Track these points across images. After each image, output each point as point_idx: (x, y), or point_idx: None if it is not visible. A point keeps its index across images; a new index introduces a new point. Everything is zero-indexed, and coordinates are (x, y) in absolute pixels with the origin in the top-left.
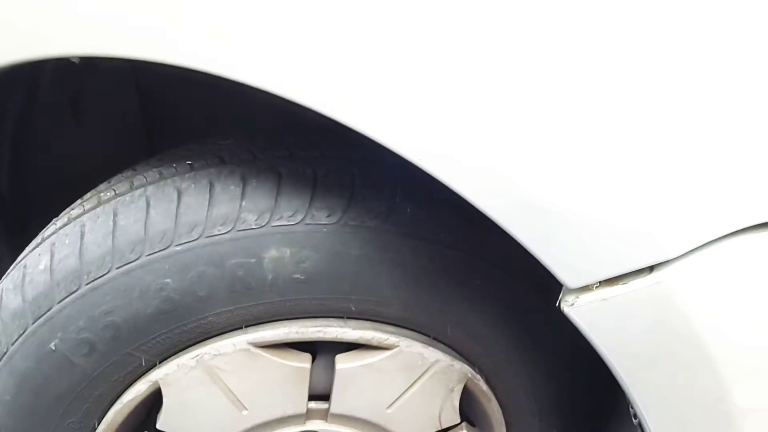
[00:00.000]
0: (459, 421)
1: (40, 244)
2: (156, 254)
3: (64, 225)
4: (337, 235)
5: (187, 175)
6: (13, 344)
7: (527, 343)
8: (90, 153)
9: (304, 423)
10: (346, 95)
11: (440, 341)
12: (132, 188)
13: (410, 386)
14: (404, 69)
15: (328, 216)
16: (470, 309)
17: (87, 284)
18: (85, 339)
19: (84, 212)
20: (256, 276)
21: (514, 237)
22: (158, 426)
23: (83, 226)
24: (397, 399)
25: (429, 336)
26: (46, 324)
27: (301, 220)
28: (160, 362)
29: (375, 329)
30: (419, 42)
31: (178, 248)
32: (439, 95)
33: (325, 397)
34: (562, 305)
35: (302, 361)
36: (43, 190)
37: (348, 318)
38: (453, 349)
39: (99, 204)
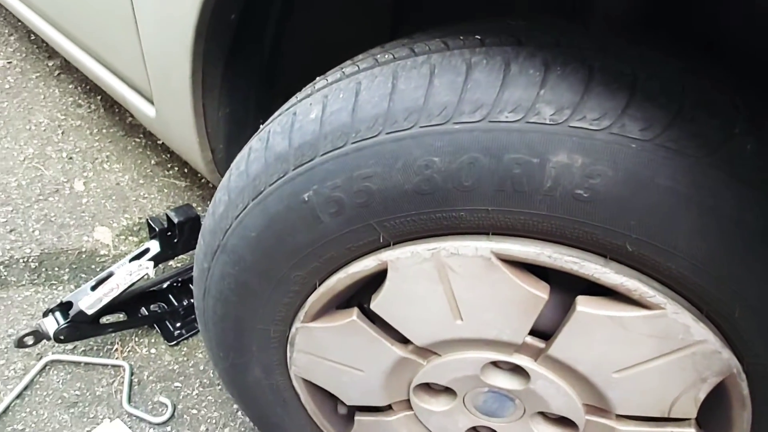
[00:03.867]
0: (694, 416)
1: (311, 94)
2: (431, 127)
3: (338, 80)
4: (646, 156)
5: (478, 49)
6: (270, 185)
7: None
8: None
9: (511, 355)
10: None
11: (713, 320)
12: (413, 54)
13: (655, 358)
14: None
15: (642, 130)
16: None
17: (353, 143)
18: (337, 198)
19: (359, 71)
20: (532, 179)
21: None
22: (372, 306)
23: (359, 84)
24: (632, 366)
25: (702, 310)
26: (305, 173)
27: (607, 127)
28: (394, 243)
29: (641, 281)
30: None
31: (456, 126)
32: None
33: (542, 334)
34: None
35: (540, 290)
36: (296, 54)
37: (611, 259)
38: (727, 335)
39: (376, 65)
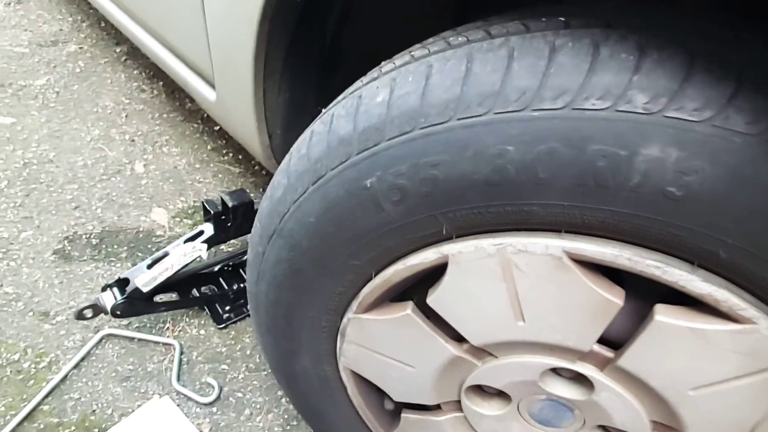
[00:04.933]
0: None
1: (377, 77)
2: (506, 114)
3: (407, 63)
4: (751, 152)
5: (562, 32)
6: (332, 170)
7: None
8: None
9: (575, 362)
10: None
11: None
12: (489, 36)
13: (740, 376)
14: None
15: (748, 123)
16: None
17: (421, 128)
18: (401, 186)
19: (430, 53)
20: (619, 173)
21: None
22: (429, 301)
23: (430, 66)
24: (711, 384)
25: None
26: (369, 159)
27: (708, 119)
28: (457, 236)
29: (732, 292)
30: None
31: (535, 114)
32: None
33: (610, 342)
34: None
35: (615, 295)
36: (357, 39)
37: (699, 265)
38: None
39: (449, 48)
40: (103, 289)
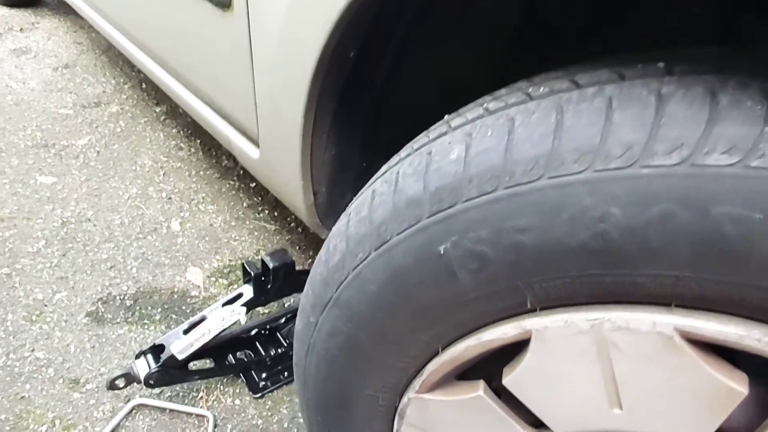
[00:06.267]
0: None
1: (446, 132)
2: (608, 172)
3: (481, 116)
4: None
5: (666, 78)
6: (399, 234)
7: None
8: (461, 68)
9: None
10: None
11: None
12: (577, 86)
13: None
14: None
15: None
16: None
17: (506, 188)
18: (481, 253)
19: (508, 106)
20: (749, 239)
21: None
22: (505, 381)
23: (511, 120)
24: None
25: None
26: (442, 222)
27: None
28: (542, 309)
29: None
30: None
31: (644, 171)
32: None
33: None
34: None
35: (738, 382)
36: (407, 94)
37: None
38: None
39: (529, 99)
40: (137, 356)
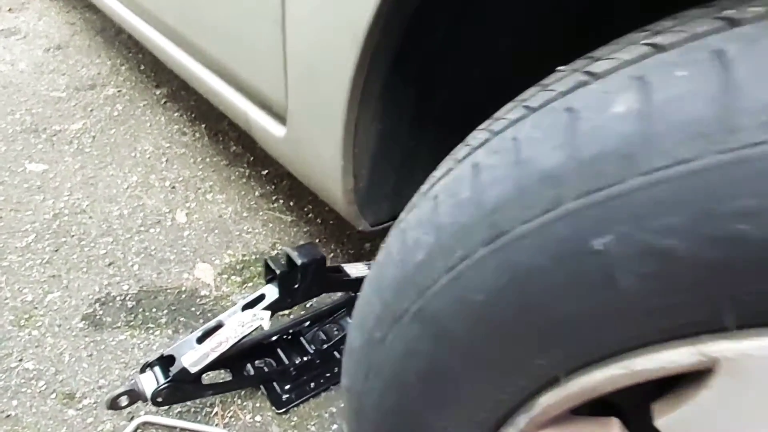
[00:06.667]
0: None
1: (591, 81)
2: None
3: (649, 54)
4: None
5: None
6: (524, 223)
7: None
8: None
9: None
10: None
11: None
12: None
13: None
14: None
15: None
16: None
17: (721, 152)
18: (666, 249)
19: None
20: None
21: None
22: (659, 424)
23: (722, 53)
24: None
25: None
26: (600, 206)
27: None
28: (738, 329)
29: None
30: None
31: None
32: None
33: None
34: None
35: None
36: (460, 66)
37: None
38: None
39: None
40: (142, 370)
